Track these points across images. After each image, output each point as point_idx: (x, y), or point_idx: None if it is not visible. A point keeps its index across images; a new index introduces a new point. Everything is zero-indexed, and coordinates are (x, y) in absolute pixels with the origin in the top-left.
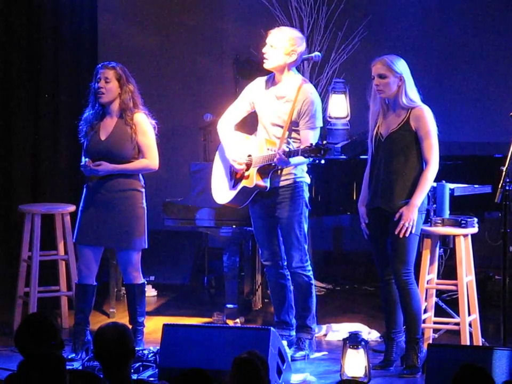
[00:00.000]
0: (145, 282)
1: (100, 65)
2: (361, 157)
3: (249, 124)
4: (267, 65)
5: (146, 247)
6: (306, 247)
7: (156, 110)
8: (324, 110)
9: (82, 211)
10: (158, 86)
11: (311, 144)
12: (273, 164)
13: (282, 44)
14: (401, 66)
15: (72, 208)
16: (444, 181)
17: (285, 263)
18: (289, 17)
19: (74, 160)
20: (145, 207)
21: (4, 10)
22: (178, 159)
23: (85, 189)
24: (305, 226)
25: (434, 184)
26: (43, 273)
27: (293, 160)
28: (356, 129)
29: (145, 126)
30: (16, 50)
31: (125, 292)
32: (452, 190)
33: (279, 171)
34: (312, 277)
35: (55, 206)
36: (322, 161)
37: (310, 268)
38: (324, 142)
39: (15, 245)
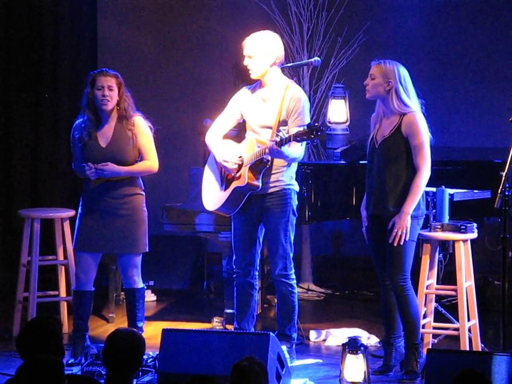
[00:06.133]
0: (145, 287)
1: (97, 72)
2: (361, 162)
3: (242, 138)
4: (253, 75)
5: (148, 250)
6: (291, 255)
7: (155, 115)
8: (323, 115)
9: (82, 218)
10: (158, 91)
11: (304, 127)
12: (265, 160)
13: (258, 50)
14: (396, 72)
15: (71, 213)
16: (443, 186)
17: (256, 273)
18: (289, 23)
19: None
20: (147, 210)
21: (3, 14)
22: (178, 164)
23: (83, 196)
24: (292, 234)
25: (434, 189)
26: (42, 278)
27: (286, 150)
28: (356, 134)
29: (144, 128)
30: (16, 54)
31: (124, 297)
32: (451, 195)
33: (269, 176)
34: (295, 286)
35: (54, 210)
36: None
37: (294, 276)
38: (316, 123)
39: (15, 250)
